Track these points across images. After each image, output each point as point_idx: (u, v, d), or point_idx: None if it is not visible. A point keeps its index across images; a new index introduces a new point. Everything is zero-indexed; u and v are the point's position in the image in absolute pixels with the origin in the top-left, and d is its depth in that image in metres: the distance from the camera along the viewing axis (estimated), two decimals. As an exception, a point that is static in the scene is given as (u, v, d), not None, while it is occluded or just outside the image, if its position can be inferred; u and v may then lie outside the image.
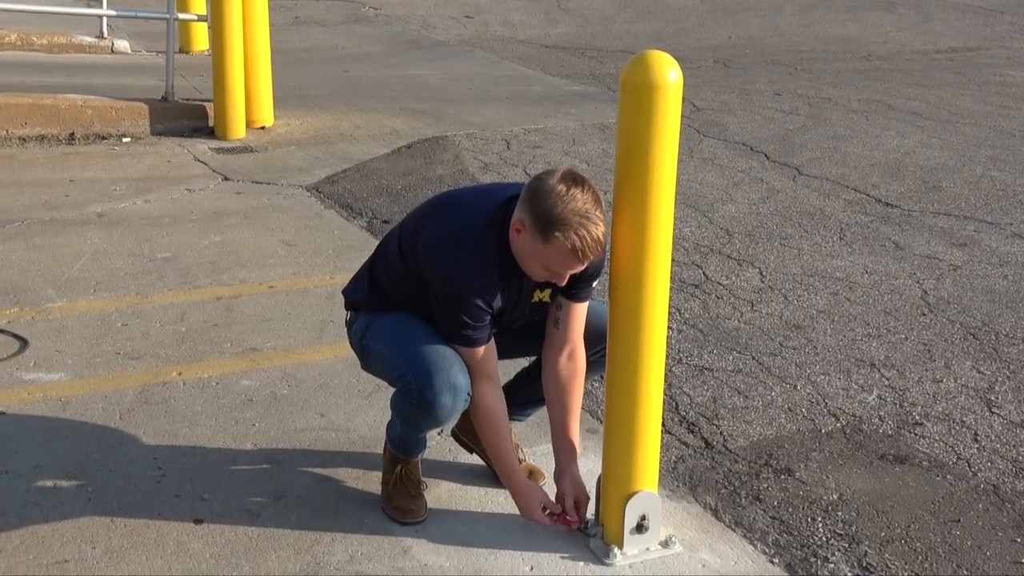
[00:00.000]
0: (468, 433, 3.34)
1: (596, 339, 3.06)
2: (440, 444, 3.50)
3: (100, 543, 2.96)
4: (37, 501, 3.14)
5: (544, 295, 2.97)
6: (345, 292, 3.20)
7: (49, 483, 3.24)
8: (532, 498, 3.02)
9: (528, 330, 3.07)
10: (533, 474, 3.31)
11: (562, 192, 2.66)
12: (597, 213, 2.68)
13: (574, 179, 2.71)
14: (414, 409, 2.90)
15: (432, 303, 2.90)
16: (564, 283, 2.82)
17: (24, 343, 4.14)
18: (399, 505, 3.14)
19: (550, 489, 3.28)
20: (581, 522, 3.04)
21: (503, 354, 3.04)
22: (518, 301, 2.94)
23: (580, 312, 3.00)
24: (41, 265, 4.95)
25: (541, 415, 3.69)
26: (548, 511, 3.02)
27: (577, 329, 3.02)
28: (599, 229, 2.68)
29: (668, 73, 2.62)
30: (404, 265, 2.95)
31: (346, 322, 3.21)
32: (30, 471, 3.29)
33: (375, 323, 3.06)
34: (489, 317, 2.86)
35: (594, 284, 2.99)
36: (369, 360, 3.12)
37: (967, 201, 6.46)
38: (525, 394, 3.29)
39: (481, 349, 2.89)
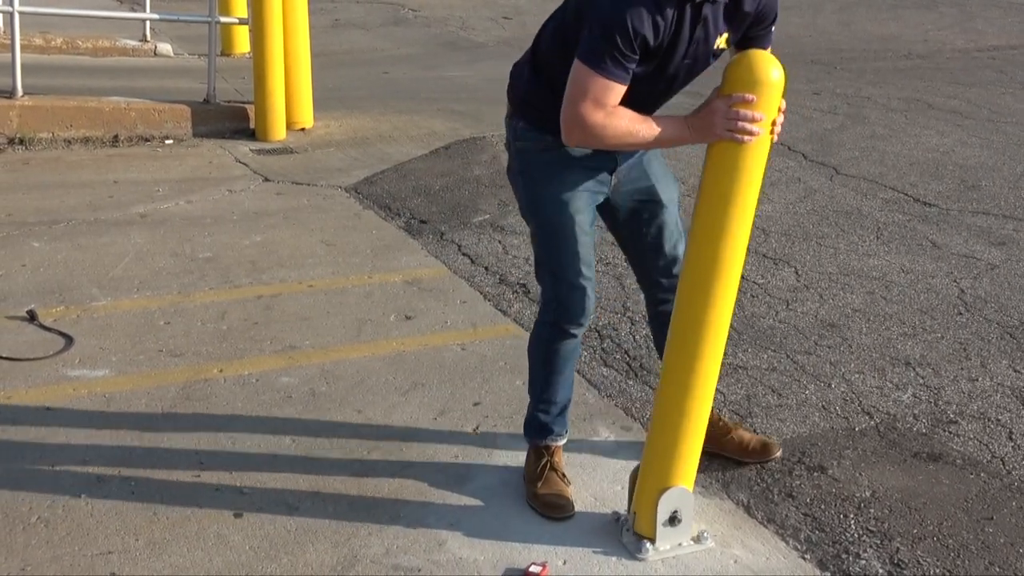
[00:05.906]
0: None
1: (669, 266, 3.15)
2: (473, 441, 3.55)
3: (143, 535, 3.03)
4: (82, 494, 3.21)
5: (722, 41, 2.85)
6: (511, 75, 3.07)
7: (94, 476, 3.31)
8: (710, 111, 2.70)
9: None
10: (767, 446, 3.46)
11: None
12: None
13: None
14: (551, 319, 3.12)
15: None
16: None
17: (69, 340, 4.23)
18: (548, 501, 3.17)
19: (600, 487, 3.32)
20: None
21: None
22: (705, 47, 2.82)
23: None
24: (86, 264, 5.05)
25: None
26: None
27: None
28: None
29: (771, 72, 2.69)
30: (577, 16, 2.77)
31: (505, 119, 3.11)
32: (75, 465, 3.37)
33: (534, 193, 3.04)
34: (634, 66, 2.70)
35: (772, 28, 2.93)
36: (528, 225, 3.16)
37: (1006, 200, 6.42)
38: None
39: (619, 86, 2.69)
